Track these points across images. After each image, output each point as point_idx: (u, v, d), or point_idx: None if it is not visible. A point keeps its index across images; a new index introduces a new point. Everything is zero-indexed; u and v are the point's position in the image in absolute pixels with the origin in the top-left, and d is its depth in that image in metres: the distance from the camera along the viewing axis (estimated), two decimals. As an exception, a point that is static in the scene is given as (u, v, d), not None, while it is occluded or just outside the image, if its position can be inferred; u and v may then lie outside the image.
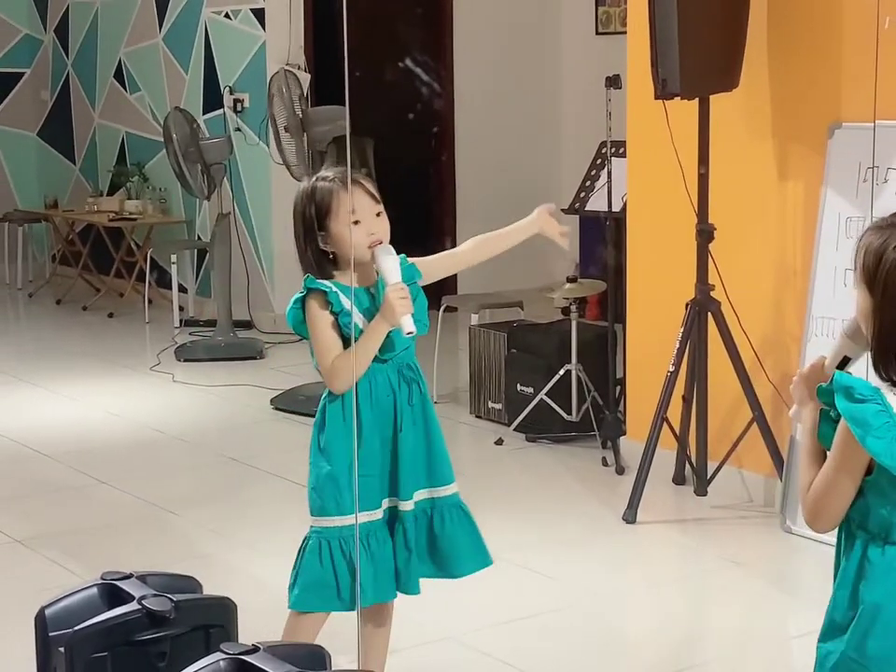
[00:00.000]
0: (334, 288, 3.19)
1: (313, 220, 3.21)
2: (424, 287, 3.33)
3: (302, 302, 3.22)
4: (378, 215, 3.24)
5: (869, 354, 2.24)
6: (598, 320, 8.02)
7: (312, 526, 3.28)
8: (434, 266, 3.41)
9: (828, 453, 2.25)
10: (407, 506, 3.28)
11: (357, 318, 3.19)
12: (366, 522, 3.22)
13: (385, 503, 3.28)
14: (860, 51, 4.68)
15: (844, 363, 2.36)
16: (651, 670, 3.98)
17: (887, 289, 2.15)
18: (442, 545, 3.33)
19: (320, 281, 3.21)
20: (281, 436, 6.50)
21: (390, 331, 3.18)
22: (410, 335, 3.16)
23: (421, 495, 3.31)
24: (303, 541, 3.31)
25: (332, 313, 3.18)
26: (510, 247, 3.49)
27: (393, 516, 3.30)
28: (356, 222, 3.18)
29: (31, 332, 9.38)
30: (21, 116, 11.24)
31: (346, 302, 3.18)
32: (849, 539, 2.28)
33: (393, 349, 3.22)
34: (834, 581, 2.34)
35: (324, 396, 3.28)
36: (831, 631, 2.29)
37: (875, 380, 2.21)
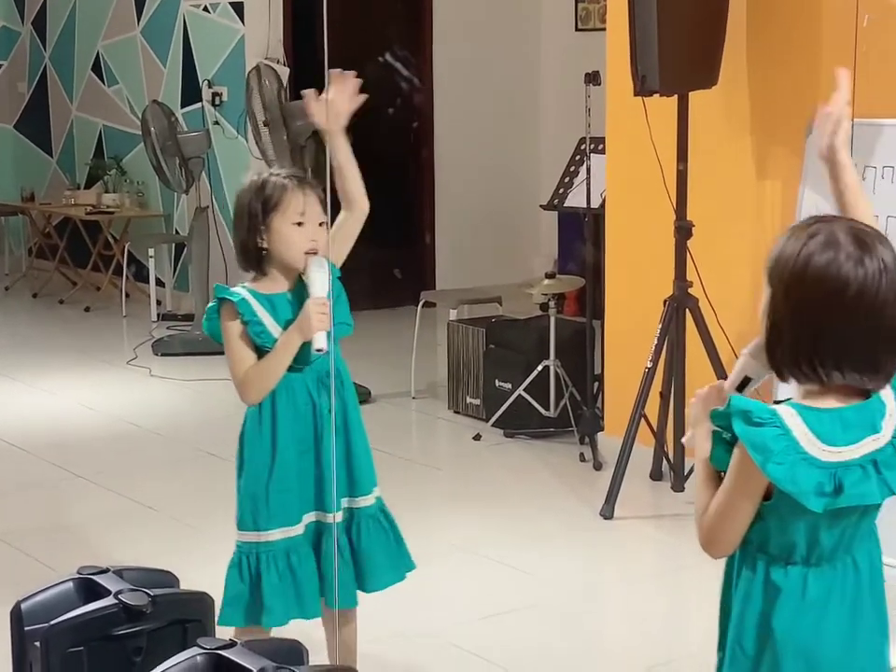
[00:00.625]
0: (246, 296, 3.13)
1: (258, 213, 3.14)
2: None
3: (217, 312, 3.17)
4: (321, 225, 3.16)
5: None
6: (577, 316, 8.01)
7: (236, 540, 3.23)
8: (339, 250, 3.22)
9: (723, 475, 2.16)
10: (336, 517, 3.19)
11: (273, 328, 3.13)
12: (283, 539, 3.16)
13: (309, 517, 3.20)
14: (839, 49, 4.69)
15: (744, 384, 2.30)
16: (628, 666, 3.99)
17: (779, 283, 2.12)
18: (358, 559, 3.26)
19: (231, 290, 3.15)
20: (258, 431, 6.47)
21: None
22: (319, 352, 3.08)
23: (341, 504, 3.22)
24: None
25: (242, 322, 3.12)
26: (350, 156, 3.19)
27: (318, 531, 3.21)
28: (299, 224, 3.13)
29: (7, 326, 9.33)
30: (-2, 108, 11.19)
31: (259, 310, 3.13)
32: (748, 562, 2.20)
33: (307, 360, 3.14)
34: (723, 603, 2.26)
35: (248, 407, 3.22)
36: (737, 661, 2.20)
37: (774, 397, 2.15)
